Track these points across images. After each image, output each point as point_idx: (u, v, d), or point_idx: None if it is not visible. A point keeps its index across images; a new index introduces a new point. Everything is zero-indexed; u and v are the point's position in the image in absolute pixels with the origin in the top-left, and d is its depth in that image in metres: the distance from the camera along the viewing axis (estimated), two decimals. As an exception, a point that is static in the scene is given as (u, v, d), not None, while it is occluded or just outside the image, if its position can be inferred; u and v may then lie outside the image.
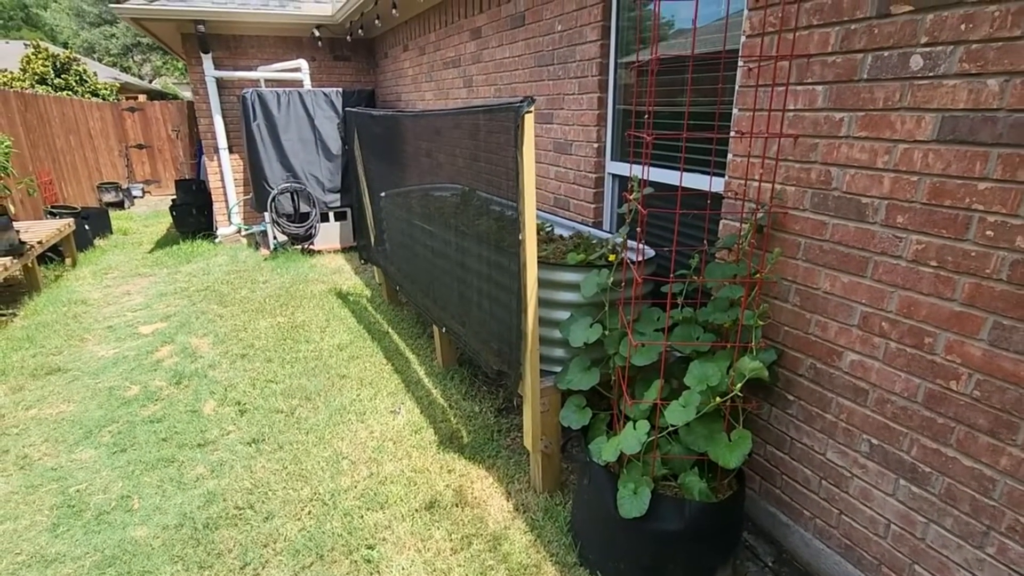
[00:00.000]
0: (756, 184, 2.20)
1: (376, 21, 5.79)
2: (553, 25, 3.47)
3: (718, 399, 1.91)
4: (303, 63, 6.87)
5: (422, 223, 3.53)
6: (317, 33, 6.97)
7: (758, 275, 2.05)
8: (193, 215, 7.96)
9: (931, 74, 1.61)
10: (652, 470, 2.05)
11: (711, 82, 2.52)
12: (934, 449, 1.74)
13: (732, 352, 2.03)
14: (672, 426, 1.97)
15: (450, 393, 3.56)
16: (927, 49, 1.61)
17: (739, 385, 1.87)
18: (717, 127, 2.47)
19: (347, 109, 4.89)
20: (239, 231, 7.61)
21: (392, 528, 2.45)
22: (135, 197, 11.95)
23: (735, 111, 2.27)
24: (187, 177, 12.23)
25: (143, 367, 4.04)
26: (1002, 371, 1.55)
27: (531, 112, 2.02)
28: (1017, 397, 1.52)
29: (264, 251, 6.87)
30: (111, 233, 8.36)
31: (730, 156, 2.32)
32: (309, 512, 2.57)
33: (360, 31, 6.68)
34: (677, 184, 2.72)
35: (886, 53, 1.72)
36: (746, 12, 2.16)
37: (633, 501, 1.94)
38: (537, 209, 3.90)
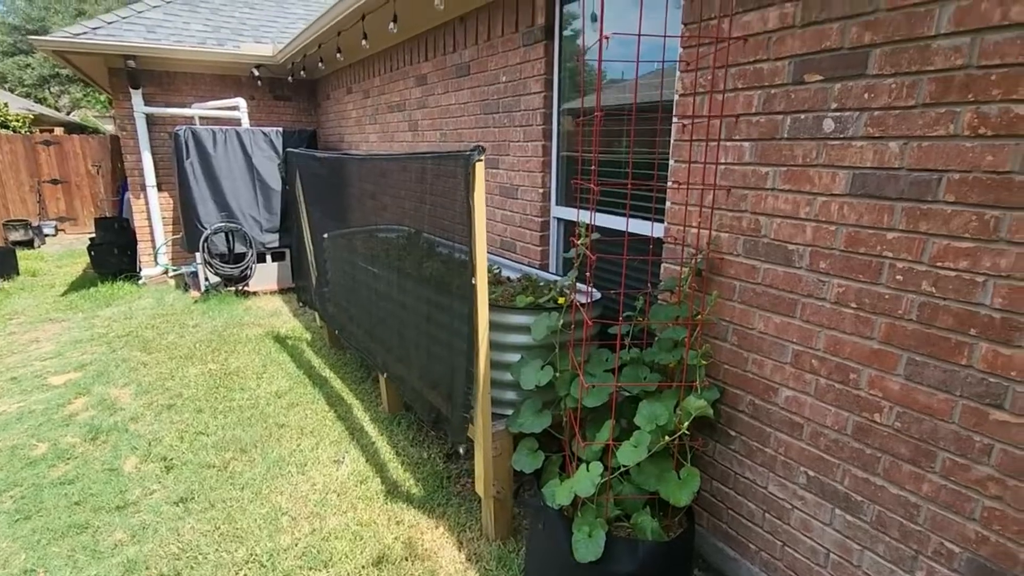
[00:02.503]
0: (693, 231, 2.33)
1: (320, 64, 5.81)
2: (498, 76, 3.61)
3: (667, 438, 1.97)
4: (241, 102, 6.75)
5: (368, 265, 3.49)
6: (257, 73, 6.89)
7: (699, 316, 2.16)
8: (115, 255, 7.48)
9: (842, 136, 1.80)
10: (606, 512, 2.06)
11: (650, 133, 2.69)
12: (864, 478, 1.86)
13: (678, 391, 2.10)
14: (624, 467, 2.01)
15: (397, 439, 3.46)
16: (837, 113, 1.80)
17: (686, 424, 1.94)
18: (656, 175, 2.62)
19: (288, 150, 4.82)
20: (166, 272, 7.21)
21: (337, 588, 2.32)
22: (47, 235, 11.12)
23: (672, 162, 2.42)
24: (108, 215, 11.53)
25: (53, 422, 3.69)
26: (918, 403, 1.69)
27: (481, 160, 2.08)
28: (932, 427, 1.66)
29: (194, 293, 6.52)
30: (17, 274, 7.71)
31: (668, 204, 2.47)
32: (245, 576, 2.39)
33: (302, 72, 6.66)
34: (620, 228, 2.85)
35: (802, 116, 1.90)
36: (678, 73, 2.34)
37: (588, 544, 1.94)
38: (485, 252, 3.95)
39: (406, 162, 2.71)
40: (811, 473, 2.02)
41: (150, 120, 6.75)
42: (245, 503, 2.86)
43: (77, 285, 7.24)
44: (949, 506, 1.65)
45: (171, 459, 3.26)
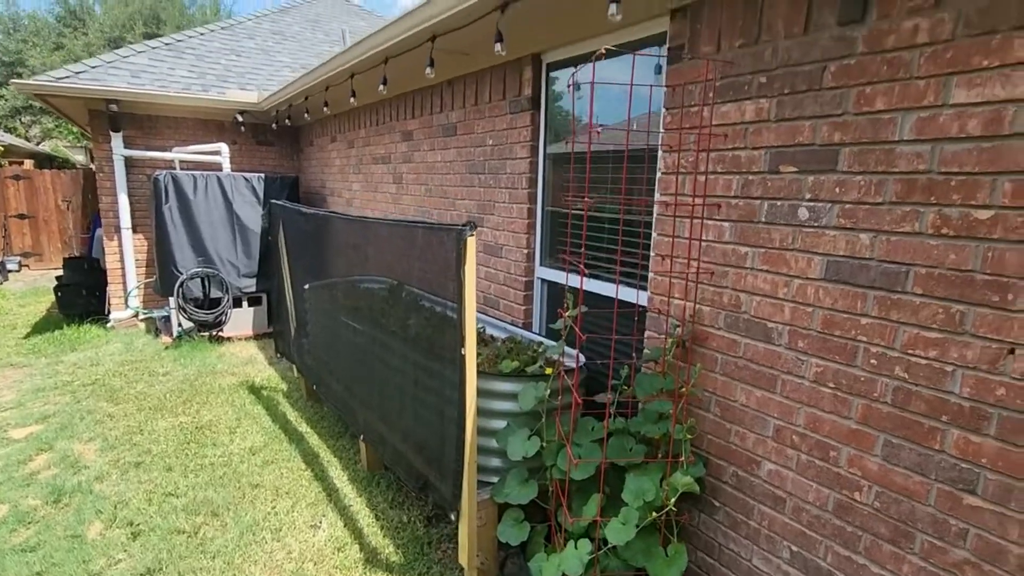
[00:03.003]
0: (676, 302, 2.41)
1: (305, 115, 5.89)
2: (484, 138, 3.72)
3: (654, 514, 1.99)
4: (223, 147, 6.76)
5: (351, 321, 3.48)
6: (240, 118, 6.94)
7: (683, 390, 2.21)
8: (82, 296, 7.27)
9: (816, 224, 1.91)
10: (593, 589, 2.04)
11: (639, 182, 2.78)
12: (846, 556, 1.90)
13: (664, 464, 2.13)
14: (608, 542, 2.01)
15: (376, 501, 3.38)
16: (811, 203, 1.92)
17: (673, 500, 1.96)
18: (640, 234, 2.71)
19: (273, 201, 4.83)
20: (136, 315, 7.02)
21: (314, 671, 2.22)
22: (10, 271, 10.76)
23: (655, 235, 2.51)
24: (76, 253, 11.26)
25: (13, 481, 3.51)
26: (896, 484, 1.75)
27: (473, 236, 2.13)
28: (910, 509, 1.72)
29: (165, 338, 6.36)
30: (-23, 315, 7.41)
31: (651, 275, 2.55)
32: (216, 659, 2.27)
33: (287, 120, 6.73)
34: (604, 293, 2.91)
35: (779, 202, 2.01)
36: (660, 152, 2.46)
37: (576, 626, 1.92)
38: (467, 307, 3.98)
39: (397, 228, 2.75)
40: (794, 548, 2.05)
41: (129, 162, 6.69)
42: (216, 574, 2.74)
43: (41, 327, 6.99)
44: (929, 588, 1.69)
45: (138, 524, 3.11)
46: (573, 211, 2.93)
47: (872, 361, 1.78)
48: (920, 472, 1.69)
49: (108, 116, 6.36)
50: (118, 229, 6.80)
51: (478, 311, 3.84)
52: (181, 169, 6.65)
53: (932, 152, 1.61)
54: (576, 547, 1.96)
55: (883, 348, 1.75)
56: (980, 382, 1.55)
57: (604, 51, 1.98)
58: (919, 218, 1.65)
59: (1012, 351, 1.49)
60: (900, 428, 1.73)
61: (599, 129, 2.08)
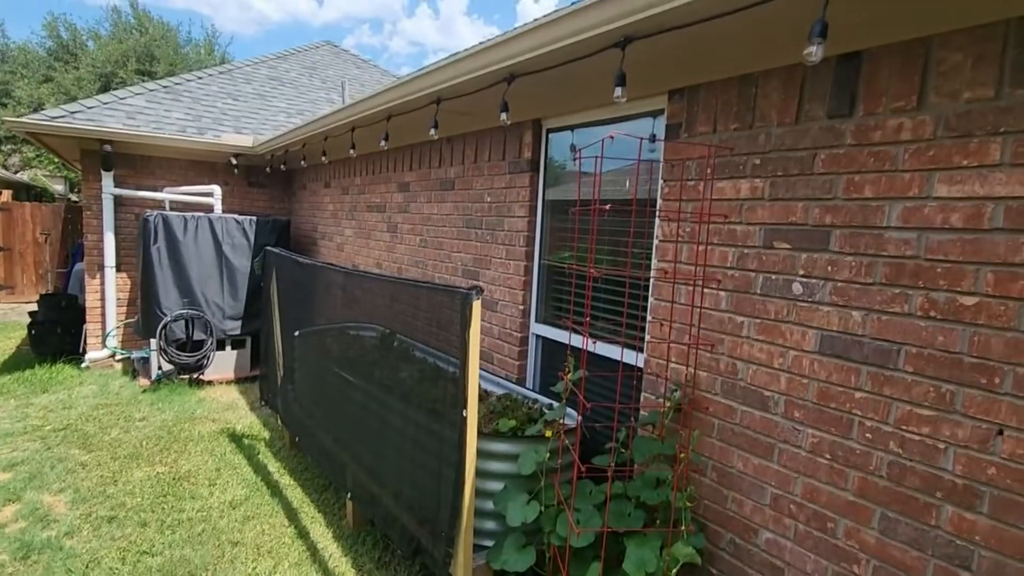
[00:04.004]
0: (673, 365, 2.46)
1: (302, 161, 5.97)
2: (483, 195, 3.82)
3: (655, 585, 1.98)
4: (216, 189, 6.78)
5: (344, 373, 3.45)
6: (234, 161, 6.99)
7: (683, 455, 2.24)
8: (57, 334, 7.07)
9: (809, 299, 2.00)
10: (593, 664, 2.00)
11: (639, 235, 2.87)
12: (846, 630, 1.90)
13: (664, 534, 2.13)
14: (612, 614, 1.98)
15: (362, 561, 3.27)
16: (804, 279, 2.01)
17: (675, 571, 1.96)
18: (640, 307, 2.78)
19: (268, 249, 4.84)
20: (113, 355, 6.83)
21: None
22: (-21, 305, 10.42)
23: (652, 300, 2.59)
24: (52, 288, 11.00)
25: (-25, 537, 3.33)
26: (893, 559, 1.78)
27: (479, 300, 2.18)
28: (908, 584, 1.75)
29: (143, 381, 6.18)
30: (-57, 352, 7.13)
31: (648, 338, 2.61)
32: None
33: (282, 165, 6.81)
34: (600, 354, 2.96)
35: (773, 276, 2.11)
36: (657, 221, 2.57)
37: None
38: (460, 360, 3.98)
39: (400, 286, 2.79)
40: (794, 620, 2.05)
41: (118, 201, 6.66)
42: (194, 643, 2.61)
43: (10, 365, 6.75)
44: (929, 666, 1.70)
45: (110, 586, 2.97)
46: (576, 270, 3.01)
47: (867, 435, 1.84)
48: (917, 547, 1.73)
49: (101, 156, 6.37)
50: (101, 267, 6.70)
51: (471, 364, 3.84)
52: (171, 209, 6.63)
53: (919, 239, 1.72)
54: (577, 619, 1.93)
55: (877, 423, 1.82)
56: (972, 461, 1.61)
57: (613, 136, 2.09)
58: (908, 300, 1.74)
59: (1000, 432, 1.56)
60: (896, 502, 1.77)
61: (607, 207, 2.17)
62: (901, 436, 1.76)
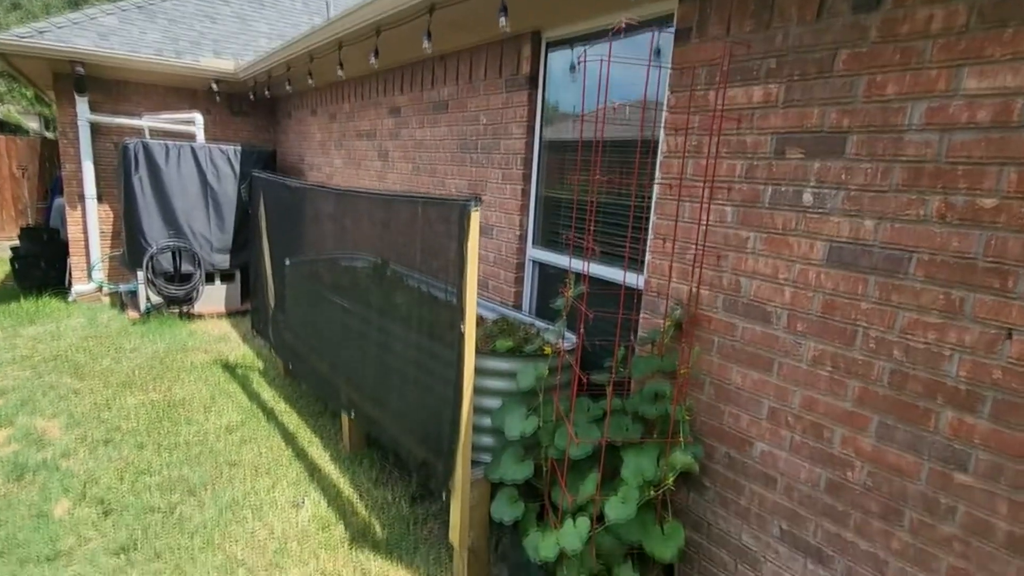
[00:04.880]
0: (675, 285, 2.42)
1: (287, 86, 5.69)
2: (477, 116, 3.66)
3: (652, 492, 2.00)
4: (197, 116, 6.49)
5: (338, 299, 3.40)
6: (215, 87, 6.66)
7: (684, 371, 2.23)
8: (41, 268, 6.93)
9: (820, 209, 1.93)
10: (589, 564, 2.06)
11: (628, 167, 2.78)
12: (835, 533, 1.95)
13: (662, 444, 2.15)
14: (610, 520, 2.02)
15: (359, 480, 3.33)
16: (816, 188, 1.94)
17: (672, 478, 1.98)
18: (642, 228, 2.71)
19: (254, 173, 4.66)
20: (100, 289, 6.73)
21: (302, 649, 2.18)
22: (-42, 241, 10.15)
23: (654, 218, 2.52)
24: (32, 223, 10.71)
25: (-31, 459, 3.33)
26: (888, 464, 1.80)
27: (478, 210, 2.09)
28: (901, 487, 1.77)
29: (132, 313, 6.11)
30: (-76, 285, 6.98)
31: (649, 257, 2.55)
32: (199, 637, 2.21)
33: (265, 91, 6.50)
34: (599, 276, 2.91)
35: (783, 187, 2.03)
36: (663, 135, 2.46)
37: (573, 601, 1.93)
38: (455, 288, 3.93)
39: (394, 203, 2.68)
40: (784, 526, 2.10)
41: (95, 128, 6.37)
42: (196, 552, 2.67)
43: (-5, 299, 6.63)
44: (916, 562, 1.75)
45: (109, 502, 3.00)
46: (579, 187, 2.91)
47: (871, 344, 1.82)
48: (913, 452, 1.74)
49: (74, 78, 6.02)
50: (82, 198, 6.49)
51: (466, 292, 3.80)
52: (152, 138, 6.35)
53: (941, 140, 1.64)
54: (575, 524, 1.96)
55: (882, 332, 1.79)
56: (977, 365, 1.60)
57: (624, 23, 1.95)
58: (924, 205, 1.68)
59: (1010, 335, 1.54)
60: (896, 409, 1.77)
61: (615, 104, 2.05)
62: (906, 344, 1.74)
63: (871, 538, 1.86)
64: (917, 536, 1.74)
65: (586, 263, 2.15)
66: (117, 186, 6.29)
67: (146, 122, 6.47)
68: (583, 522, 1.96)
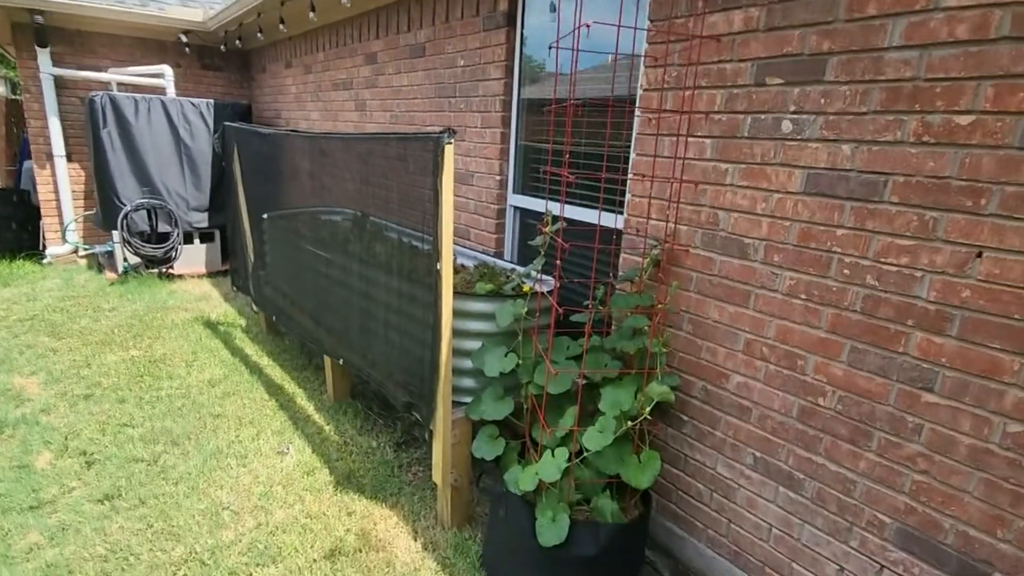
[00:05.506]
0: (654, 222, 2.40)
1: (258, 34, 5.47)
2: (455, 59, 3.54)
3: (629, 423, 2.03)
4: (166, 69, 6.24)
5: (316, 249, 3.34)
6: (184, 39, 6.39)
7: (660, 306, 2.23)
8: (12, 230, 6.75)
9: (798, 137, 1.91)
10: (568, 496, 2.10)
11: (614, 126, 2.73)
12: (806, 457, 2.00)
13: (638, 378, 2.17)
14: (588, 451, 2.05)
15: (344, 428, 3.36)
16: (795, 116, 1.91)
17: (648, 409, 2.01)
18: (615, 167, 2.68)
19: (227, 124, 4.51)
20: (76, 251, 6.58)
21: (288, 583, 2.23)
22: (-75, 206, 9.82)
23: (633, 155, 2.48)
24: (2, 186, 10.36)
25: (-54, 415, 3.30)
26: (858, 387, 1.84)
27: (451, 143, 2.04)
28: (870, 409, 1.81)
29: (110, 274, 6.00)
30: None
31: (629, 196, 2.53)
32: (185, 575, 2.24)
33: (237, 42, 6.25)
34: (581, 219, 2.89)
35: (762, 116, 2.00)
36: (643, 68, 2.40)
37: (552, 529, 1.97)
38: (436, 238, 3.89)
39: (367, 143, 2.61)
40: (757, 454, 2.15)
41: (59, 83, 6.11)
42: (180, 498, 2.68)
43: (-34, 263, 6.47)
44: (882, 481, 1.80)
45: (92, 454, 3.00)
46: (555, 119, 2.85)
47: (845, 271, 1.83)
48: (882, 374, 1.77)
49: (33, 29, 5.74)
50: (50, 157, 6.27)
51: (447, 242, 3.76)
52: (119, 91, 6.11)
53: (920, 58, 1.61)
54: (553, 455, 1.99)
55: (856, 258, 1.80)
56: (947, 285, 1.61)
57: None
58: (902, 126, 1.66)
59: (980, 254, 1.55)
60: (867, 334, 1.80)
61: (588, 23, 1.99)
62: (879, 268, 1.75)
63: (840, 460, 1.91)
64: (884, 455, 1.79)
65: (561, 201, 2.12)
66: (87, 143, 6.08)
67: (113, 75, 6.21)
68: (561, 452, 1.98)
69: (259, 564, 2.31)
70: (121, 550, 2.36)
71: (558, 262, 2.15)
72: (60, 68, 6.06)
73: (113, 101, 5.52)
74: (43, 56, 5.93)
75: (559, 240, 1.96)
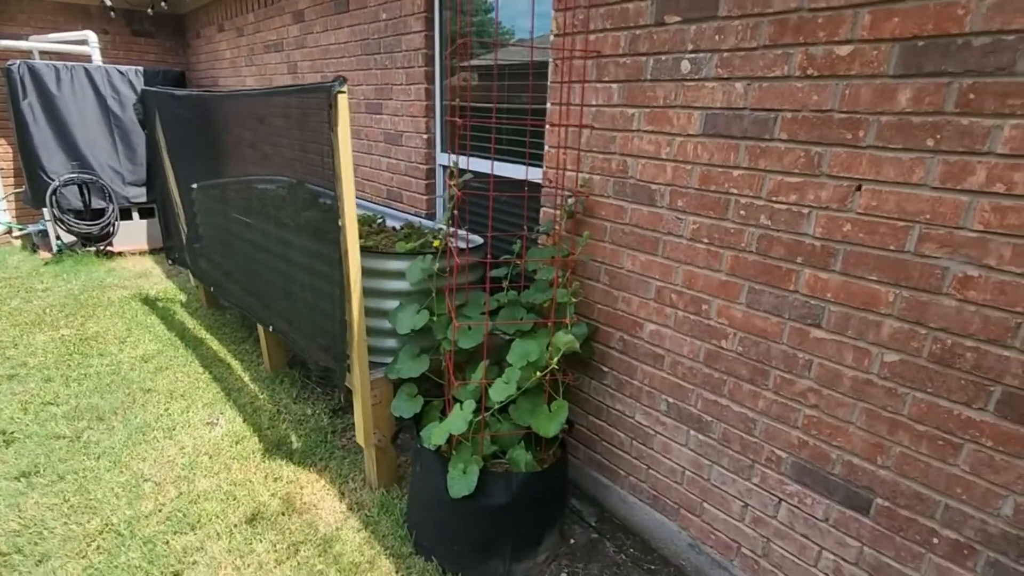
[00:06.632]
0: (568, 173, 2.37)
1: (183, -6, 5.18)
2: (378, 13, 3.40)
3: (539, 374, 2.03)
4: (91, 35, 5.89)
5: (240, 215, 3.23)
6: (108, 2, 6.03)
7: (569, 256, 2.21)
8: (-60, 212, 6.41)
9: (696, 77, 1.87)
10: (481, 449, 2.10)
11: (538, 89, 2.66)
12: (712, 400, 2.03)
13: (551, 329, 2.16)
14: (500, 403, 2.04)
15: (279, 397, 3.31)
16: (693, 55, 1.87)
17: (556, 359, 2.00)
18: (541, 121, 2.62)
19: (145, 88, 4.29)
20: (10, 231, 6.30)
21: (205, 549, 2.20)
22: None
23: (548, 105, 2.42)
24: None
25: None
26: (756, 328, 1.85)
27: (344, 92, 1.95)
28: (767, 349, 1.83)
29: (44, 254, 5.76)
30: None
31: (546, 147, 2.48)
32: (98, 547, 2.20)
33: (163, 4, 5.92)
34: (504, 175, 2.83)
35: (663, 57, 1.96)
36: (552, 12, 2.32)
37: (462, 480, 1.97)
38: (371, 202, 3.80)
39: (268, 98, 2.50)
40: (670, 400, 2.18)
41: (-26, 52, 5.74)
42: (101, 472, 2.62)
43: None
44: (778, 417, 1.84)
45: (11, 432, 2.90)
46: (463, 68, 2.77)
47: (741, 212, 1.82)
48: (776, 313, 1.78)
49: (-64, -9, 5.35)
50: (-29, 132, 5.93)
51: (382, 206, 3.67)
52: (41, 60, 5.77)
53: (803, -13, 1.58)
54: (462, 408, 1.98)
55: (751, 198, 1.79)
56: (830, 220, 1.61)
57: None
58: (788, 61, 1.64)
59: (859, 187, 1.55)
60: (762, 274, 1.80)
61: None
62: (771, 208, 1.74)
63: (741, 401, 1.94)
64: (779, 393, 1.82)
65: (467, 153, 2.06)
66: (9, 118, 5.76)
67: (34, 43, 5.85)
68: (468, 406, 1.97)
69: (176, 532, 2.28)
70: (35, 524, 2.30)
71: (456, 213, 2.11)
72: (-26, 36, 5.68)
73: (32, 70, 5.21)
74: (-47, 23, 5.55)
75: (457, 192, 1.91)
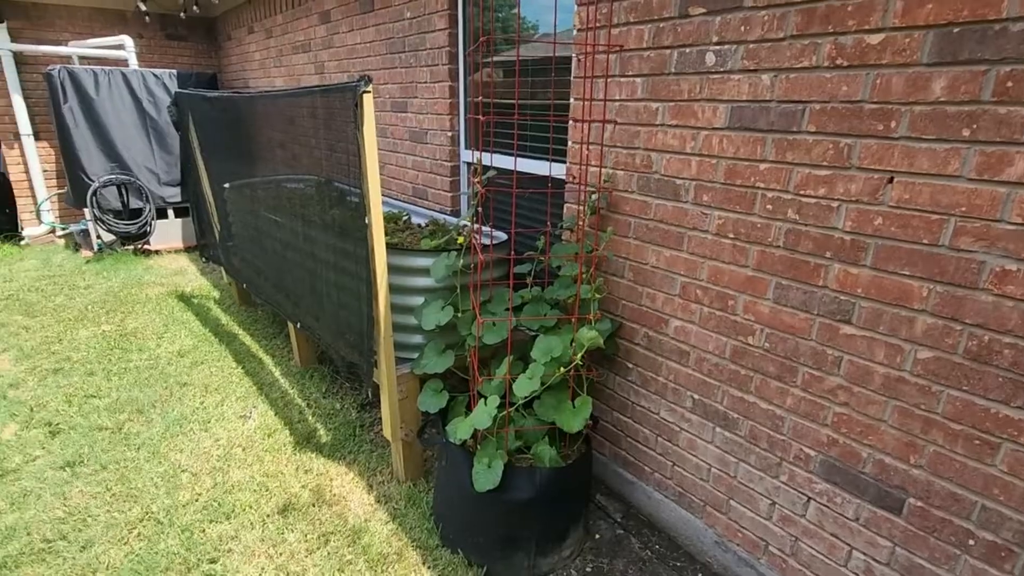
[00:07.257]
0: (592, 169, 2.36)
1: (214, -2, 5.31)
2: (402, 11, 3.43)
3: (563, 370, 2.03)
4: (127, 39, 6.09)
5: (270, 214, 3.31)
6: (143, 7, 6.22)
7: (593, 252, 2.21)
8: (-10, 213, 6.71)
9: (722, 69, 1.84)
10: (506, 444, 2.12)
11: (560, 84, 2.66)
12: (739, 397, 2.01)
13: (573, 325, 2.16)
14: (525, 399, 2.06)
15: (308, 392, 3.39)
16: (718, 47, 1.84)
17: (580, 355, 2.00)
18: (564, 117, 2.61)
19: (178, 91, 4.42)
20: (53, 231, 6.56)
21: (239, 538, 2.28)
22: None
23: (572, 100, 2.41)
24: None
25: (-84, 393, 3.34)
26: (783, 324, 1.82)
27: (369, 91, 1.98)
28: (795, 345, 1.80)
29: (86, 252, 6.00)
30: None
31: (569, 143, 2.47)
32: (139, 534, 2.30)
33: (195, 7, 6.08)
34: (528, 171, 2.84)
35: (687, 50, 1.93)
36: (576, 7, 2.31)
37: (487, 474, 2.00)
38: (396, 199, 3.85)
39: (295, 98, 2.55)
40: (696, 396, 2.16)
41: (19, 59, 5.98)
42: (141, 463, 2.73)
43: (-55, 247, 6.46)
44: (807, 415, 1.81)
45: (57, 424, 3.04)
46: (485, 62, 2.78)
47: (768, 206, 1.79)
48: (805, 309, 1.75)
49: (-16, 2, 5.59)
50: (18, 136, 6.19)
51: (407, 203, 3.72)
52: (80, 65, 5.99)
53: (832, -24, 1.54)
54: (486, 404, 2.00)
55: (778, 192, 1.76)
56: (861, 214, 1.58)
57: None
58: (816, 51, 1.60)
59: (891, 179, 1.51)
60: (790, 270, 1.77)
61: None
62: (799, 202, 1.71)
63: (769, 398, 1.91)
64: (807, 390, 1.79)
65: (490, 150, 2.07)
66: (52, 120, 5.99)
67: (73, 49, 6.08)
68: (493, 401, 1.99)
69: (212, 520, 2.36)
70: (79, 512, 2.41)
71: (479, 211, 2.12)
72: (19, 44, 5.93)
73: (72, 75, 5.41)
74: (1, 32, 5.80)
75: (481, 189, 1.93)
